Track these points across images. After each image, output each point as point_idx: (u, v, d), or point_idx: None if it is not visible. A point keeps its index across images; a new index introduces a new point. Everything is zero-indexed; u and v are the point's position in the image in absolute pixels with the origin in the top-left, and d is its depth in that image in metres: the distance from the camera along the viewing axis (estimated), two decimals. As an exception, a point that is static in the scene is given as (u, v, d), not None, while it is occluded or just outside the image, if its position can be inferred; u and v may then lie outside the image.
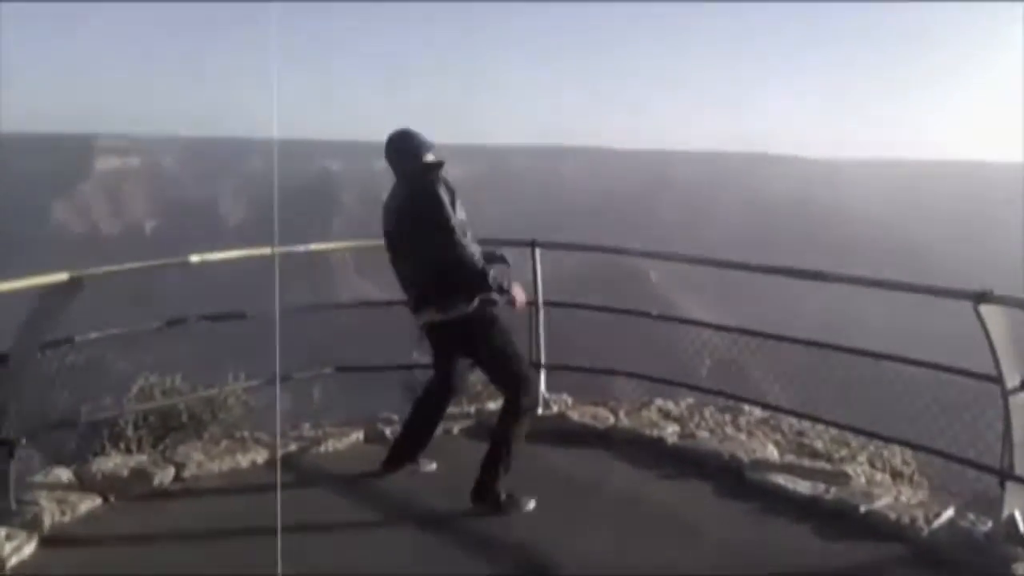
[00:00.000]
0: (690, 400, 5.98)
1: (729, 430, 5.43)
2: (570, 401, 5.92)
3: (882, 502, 4.19)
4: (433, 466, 4.48)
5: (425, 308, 4.05)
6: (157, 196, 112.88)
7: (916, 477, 5.33)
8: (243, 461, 4.49)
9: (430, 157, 4.17)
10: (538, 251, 5.32)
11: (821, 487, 4.33)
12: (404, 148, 4.15)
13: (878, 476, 4.98)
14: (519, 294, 4.19)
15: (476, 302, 3.97)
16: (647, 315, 5.12)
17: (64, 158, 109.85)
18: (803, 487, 4.33)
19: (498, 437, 4.03)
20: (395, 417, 5.22)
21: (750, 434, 5.19)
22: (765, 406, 5.03)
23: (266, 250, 4.53)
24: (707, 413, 5.71)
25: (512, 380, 4.08)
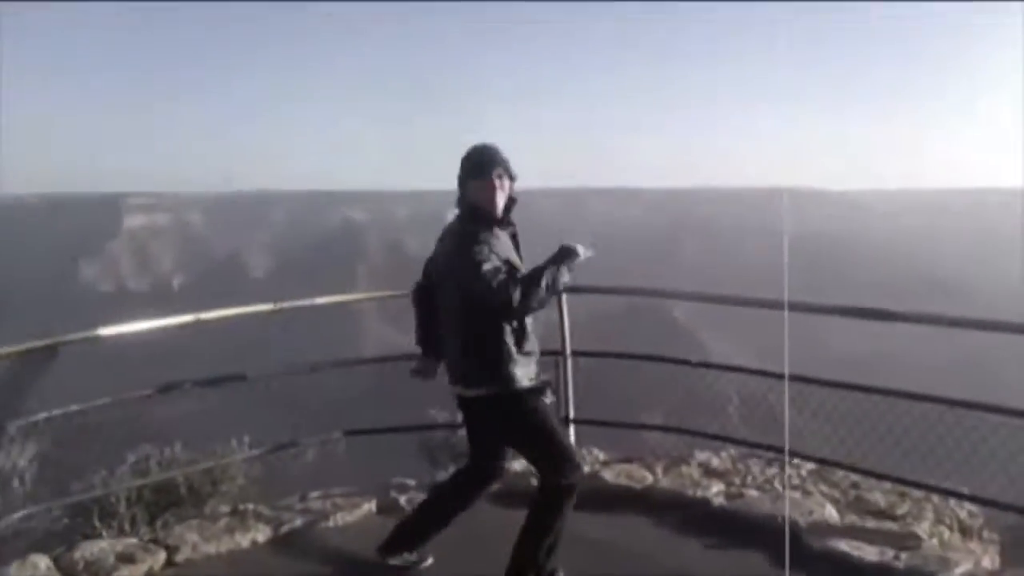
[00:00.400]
0: (732, 451, 5.51)
1: (779, 485, 4.95)
2: (602, 456, 5.48)
3: (960, 569, 3.71)
4: (430, 561, 3.80)
5: (454, 380, 3.50)
6: (184, 252, 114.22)
7: (986, 532, 4.81)
8: (243, 541, 4.05)
9: (478, 189, 3.38)
10: (565, 296, 4.90)
11: (890, 553, 3.84)
12: (461, 172, 3.44)
13: (947, 534, 4.48)
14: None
15: (504, 382, 3.34)
16: (686, 363, 4.66)
17: (94, 217, 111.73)
18: (869, 553, 3.84)
19: (532, 522, 3.44)
20: (411, 482, 4.79)
21: (804, 491, 4.68)
22: (822, 462, 4.52)
23: (268, 306, 4.22)
24: (753, 467, 5.23)
25: (547, 460, 3.46)
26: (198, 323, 3.93)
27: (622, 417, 5.78)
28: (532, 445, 3.49)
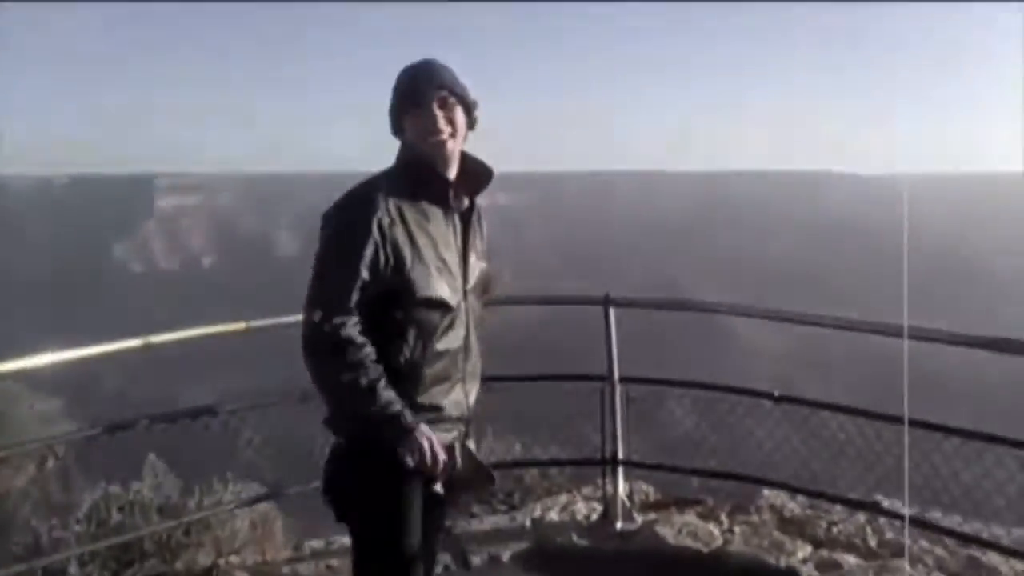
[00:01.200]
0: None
1: (873, 543, 4.06)
2: (651, 495, 4.64)
3: None
4: None
5: None
6: (214, 232, 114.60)
7: None
8: (210, 621, 3.27)
9: (415, 126, 2.13)
10: (612, 310, 4.02)
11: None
12: (391, 106, 2.19)
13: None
14: (427, 446, 2.05)
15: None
16: (769, 396, 3.75)
17: (126, 198, 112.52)
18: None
19: None
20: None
21: (912, 560, 3.77)
22: (950, 534, 3.55)
23: (240, 326, 3.43)
24: (837, 517, 4.34)
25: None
26: (147, 346, 3.14)
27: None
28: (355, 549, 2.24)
